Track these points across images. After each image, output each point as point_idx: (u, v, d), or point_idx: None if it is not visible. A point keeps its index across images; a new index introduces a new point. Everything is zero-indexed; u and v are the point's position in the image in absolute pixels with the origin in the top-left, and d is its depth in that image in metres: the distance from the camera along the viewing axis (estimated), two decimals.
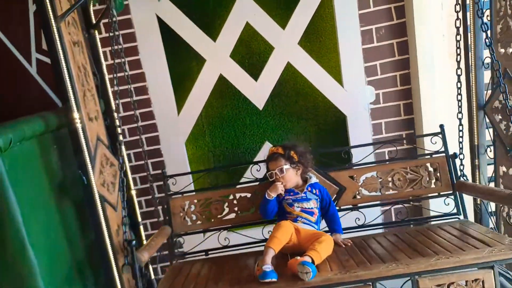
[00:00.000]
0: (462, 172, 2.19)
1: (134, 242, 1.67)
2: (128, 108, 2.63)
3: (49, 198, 1.84)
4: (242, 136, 2.90)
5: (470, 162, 2.21)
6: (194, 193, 2.32)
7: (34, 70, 2.64)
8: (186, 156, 2.82)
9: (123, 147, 1.91)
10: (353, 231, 2.18)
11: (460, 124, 2.17)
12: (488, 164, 2.22)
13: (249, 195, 2.23)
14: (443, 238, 1.89)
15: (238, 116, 2.86)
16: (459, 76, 2.14)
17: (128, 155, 2.71)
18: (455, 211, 2.17)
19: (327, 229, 2.10)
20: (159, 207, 2.41)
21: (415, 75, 2.58)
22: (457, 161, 2.18)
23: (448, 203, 2.20)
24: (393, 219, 2.67)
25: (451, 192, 2.17)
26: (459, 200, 2.17)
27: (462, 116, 2.16)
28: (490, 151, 2.18)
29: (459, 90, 2.13)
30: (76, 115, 1.79)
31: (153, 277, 2.44)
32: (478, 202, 2.19)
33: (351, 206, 2.23)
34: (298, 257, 1.69)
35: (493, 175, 2.17)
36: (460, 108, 2.15)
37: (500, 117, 2.03)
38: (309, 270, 1.60)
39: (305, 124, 2.87)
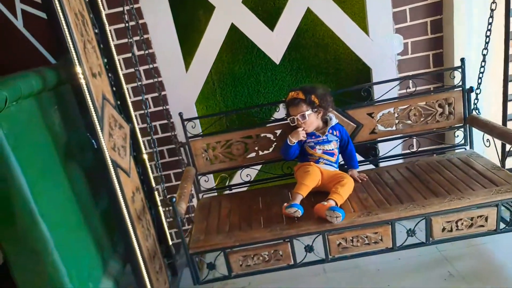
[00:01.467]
0: (475, 106, 2.17)
1: (174, 199, 1.71)
2: (130, 65, 2.37)
3: (56, 164, 1.63)
4: (256, 94, 2.66)
5: (503, 99, 2.09)
6: (213, 135, 2.31)
7: (20, 23, 2.33)
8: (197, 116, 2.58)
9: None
10: (369, 164, 2.32)
11: (483, 61, 2.07)
12: None
13: (268, 135, 2.27)
14: (454, 173, 1.99)
15: (251, 72, 2.61)
16: (492, 10, 1.96)
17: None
18: (463, 142, 2.26)
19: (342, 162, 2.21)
20: (181, 155, 2.30)
21: (449, 21, 2.33)
22: (472, 96, 2.17)
23: (458, 135, 2.28)
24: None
25: (461, 125, 2.22)
26: (468, 132, 2.23)
27: (487, 52, 2.05)
28: None
29: (489, 26, 1.99)
30: (78, 69, 1.53)
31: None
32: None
33: (367, 141, 2.26)
34: (325, 203, 1.78)
35: None
36: (486, 45, 2.03)
37: None
38: (339, 215, 1.71)
39: (325, 79, 2.64)
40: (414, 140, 2.45)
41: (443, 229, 1.77)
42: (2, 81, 1.34)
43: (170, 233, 2.69)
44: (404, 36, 2.42)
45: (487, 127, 2.02)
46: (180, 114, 2.25)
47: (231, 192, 2.38)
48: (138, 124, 2.48)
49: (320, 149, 2.04)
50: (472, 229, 1.77)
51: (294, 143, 2.02)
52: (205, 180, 2.36)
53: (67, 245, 1.53)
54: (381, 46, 2.43)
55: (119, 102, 2.03)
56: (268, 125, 2.28)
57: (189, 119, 2.28)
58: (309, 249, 1.80)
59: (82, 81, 1.54)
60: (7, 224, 1.35)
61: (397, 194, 1.88)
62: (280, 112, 2.23)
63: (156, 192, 2.15)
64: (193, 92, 2.54)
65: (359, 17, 2.46)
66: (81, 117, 1.56)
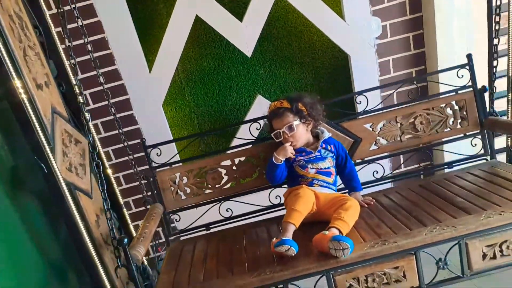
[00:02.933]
0: (492, 109, 1.88)
1: (126, 240, 1.30)
2: (86, 69, 2.13)
3: (1, 193, 1.40)
4: (228, 90, 2.46)
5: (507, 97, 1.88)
6: (183, 163, 1.93)
7: None
8: (166, 120, 2.37)
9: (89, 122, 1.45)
10: (371, 185, 1.93)
11: (495, 52, 1.80)
12: None
13: (250, 158, 1.89)
14: (482, 187, 1.62)
15: (221, 67, 2.41)
16: None
17: (95, 125, 2.25)
18: (482, 152, 1.91)
19: (342, 186, 1.84)
20: (144, 183, 1.96)
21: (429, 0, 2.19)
22: (487, 96, 1.87)
23: (475, 144, 1.93)
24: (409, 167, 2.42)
25: (478, 131, 1.90)
26: (487, 139, 1.90)
27: (499, 42, 1.78)
28: None
29: (497, 10, 1.73)
30: (18, 83, 1.31)
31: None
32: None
33: (368, 158, 1.93)
34: (326, 232, 1.40)
35: None
36: (496, 33, 1.77)
37: None
38: (347, 246, 1.32)
39: (301, 69, 2.46)
40: (425, 153, 2.08)
41: (484, 256, 1.38)
42: None
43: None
44: (382, 18, 2.27)
45: None
46: (143, 141, 1.88)
47: (208, 232, 1.93)
48: (100, 133, 2.27)
49: (313, 168, 1.68)
50: None
51: (281, 161, 1.67)
52: (175, 220, 1.92)
53: (19, 282, 1.33)
54: (358, 31, 2.28)
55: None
56: (247, 146, 1.90)
57: (153, 146, 1.87)
58: None
59: (23, 96, 1.32)
60: None
61: (416, 216, 1.50)
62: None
63: (125, 210, 1.95)
64: (159, 94, 2.33)
65: (334, 1, 2.28)
66: (25, 138, 1.34)
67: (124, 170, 2.35)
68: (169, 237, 1.89)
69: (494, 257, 1.39)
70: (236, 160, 1.90)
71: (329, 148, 1.72)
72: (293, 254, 1.39)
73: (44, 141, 1.36)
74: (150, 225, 1.60)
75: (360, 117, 1.90)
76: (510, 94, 1.86)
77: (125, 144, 1.88)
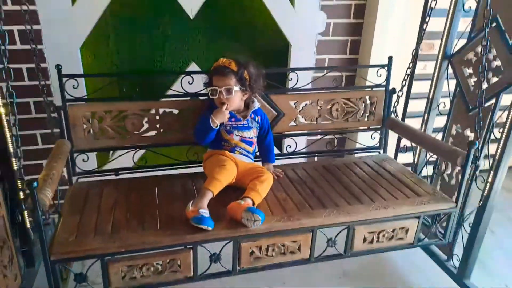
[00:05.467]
0: (394, 109, 2.12)
1: (36, 183, 1.16)
2: None
3: None
4: (160, 50, 2.25)
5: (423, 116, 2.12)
6: (104, 102, 1.78)
7: None
8: (81, 66, 2.08)
9: None
10: (281, 158, 2.07)
11: (412, 62, 2.04)
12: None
13: (176, 111, 1.84)
14: (374, 179, 1.89)
15: (158, 21, 2.19)
16: (431, 9, 1.91)
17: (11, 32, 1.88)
18: (378, 145, 2.19)
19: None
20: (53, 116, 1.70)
21: (373, 8, 2.28)
22: (394, 97, 2.11)
23: (374, 137, 2.18)
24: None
25: (379, 127, 2.14)
26: (384, 135, 2.17)
27: (417, 54, 2.03)
28: (444, 106, 2.04)
29: (425, 26, 1.95)
30: None
31: None
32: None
33: (285, 133, 2.07)
34: (242, 202, 1.51)
35: (443, 130, 2.04)
36: (418, 46, 2.01)
37: (470, 71, 1.86)
38: (259, 219, 1.43)
39: (241, 47, 2.37)
40: (327, 137, 2.30)
41: (364, 240, 1.63)
42: None
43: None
44: (328, 15, 2.30)
45: (407, 132, 1.99)
46: (58, 67, 1.64)
47: (118, 178, 1.84)
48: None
49: (238, 135, 1.74)
50: (392, 242, 1.67)
51: (217, 125, 1.68)
52: (83, 160, 1.79)
53: None
54: (304, 22, 2.27)
55: None
56: (175, 99, 1.84)
57: (70, 76, 1.66)
58: (215, 258, 1.47)
59: None
60: None
61: (318, 197, 1.69)
62: (195, 85, 1.83)
63: (14, 160, 1.61)
64: (79, 34, 2.03)
65: None
66: None
67: (34, 95, 2.01)
68: (73, 176, 1.77)
69: (372, 242, 1.65)
70: (161, 110, 1.82)
71: (256, 119, 1.80)
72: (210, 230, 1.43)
73: None
74: (58, 165, 1.45)
75: (288, 93, 2.00)
76: (425, 114, 2.09)
77: (38, 66, 1.61)
